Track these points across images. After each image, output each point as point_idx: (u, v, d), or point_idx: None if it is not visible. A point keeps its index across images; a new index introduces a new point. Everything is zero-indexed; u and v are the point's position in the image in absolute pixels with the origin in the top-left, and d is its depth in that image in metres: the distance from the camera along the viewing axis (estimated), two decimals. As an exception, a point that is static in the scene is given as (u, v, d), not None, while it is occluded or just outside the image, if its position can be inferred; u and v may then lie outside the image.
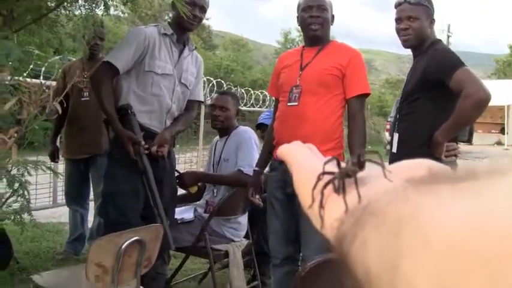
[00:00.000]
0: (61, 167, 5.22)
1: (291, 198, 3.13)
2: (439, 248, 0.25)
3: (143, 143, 3.25)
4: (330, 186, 0.38)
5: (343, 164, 0.40)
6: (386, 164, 0.38)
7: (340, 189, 0.37)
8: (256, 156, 3.68)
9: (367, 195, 0.34)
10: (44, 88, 2.45)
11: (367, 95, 3.19)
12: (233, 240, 3.89)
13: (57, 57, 7.15)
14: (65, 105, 3.30)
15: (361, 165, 0.39)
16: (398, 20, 3.16)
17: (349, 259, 0.30)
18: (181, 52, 3.53)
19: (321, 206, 0.38)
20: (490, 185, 0.27)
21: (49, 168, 3.01)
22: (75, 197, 4.91)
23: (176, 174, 3.87)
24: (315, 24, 3.18)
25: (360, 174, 0.38)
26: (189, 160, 10.45)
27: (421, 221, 0.27)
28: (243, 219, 3.99)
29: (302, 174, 0.42)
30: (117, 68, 3.28)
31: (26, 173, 2.79)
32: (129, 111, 3.29)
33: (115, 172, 3.34)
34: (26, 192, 2.77)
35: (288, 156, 0.45)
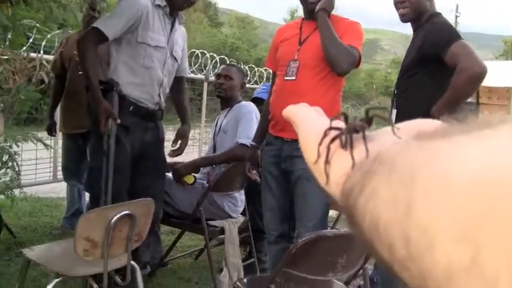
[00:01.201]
0: (60, 142, 5.19)
1: (285, 174, 3.10)
2: (461, 186, 0.24)
3: (118, 121, 3.16)
4: (337, 142, 0.37)
5: (350, 120, 0.39)
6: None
7: (348, 145, 0.36)
8: None
9: (375, 149, 0.33)
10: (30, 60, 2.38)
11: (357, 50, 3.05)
12: (230, 216, 3.85)
13: (57, 31, 7.08)
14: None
15: (369, 121, 0.38)
16: None
17: (356, 212, 0.30)
18: (172, 24, 3.45)
19: (327, 162, 0.36)
20: (508, 130, 0.26)
21: (39, 140, 2.95)
22: (73, 171, 4.86)
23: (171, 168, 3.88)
24: None
25: (368, 132, 0.37)
26: (191, 137, 10.40)
27: (438, 162, 0.26)
28: (242, 195, 3.95)
29: (307, 131, 0.41)
30: (106, 36, 3.19)
31: (15, 145, 2.74)
32: (114, 88, 3.22)
33: (101, 147, 3.27)
34: (16, 165, 2.71)
35: (294, 116, 0.44)
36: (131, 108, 3.29)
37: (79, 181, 4.86)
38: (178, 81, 3.70)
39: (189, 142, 9.74)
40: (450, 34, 2.84)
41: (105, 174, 3.18)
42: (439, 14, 3.10)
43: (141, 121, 3.35)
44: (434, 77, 2.90)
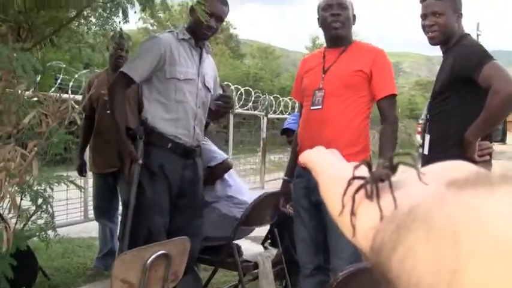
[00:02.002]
0: (90, 181, 5.22)
1: (317, 206, 3.06)
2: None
3: (140, 161, 3.22)
4: (362, 192, 0.36)
5: (374, 168, 0.38)
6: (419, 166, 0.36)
7: (374, 195, 0.35)
8: None
9: (404, 200, 0.32)
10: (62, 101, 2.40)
11: (395, 96, 3.09)
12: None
13: (84, 71, 7.18)
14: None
15: (393, 168, 0.37)
16: (423, 16, 3.06)
17: (389, 269, 0.28)
18: (200, 55, 3.47)
19: (352, 213, 0.35)
20: None
21: (71, 182, 2.96)
22: (104, 211, 4.87)
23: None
24: (336, 22, 3.09)
25: (393, 178, 0.35)
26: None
27: (483, 220, 0.25)
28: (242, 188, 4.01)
29: (329, 180, 0.40)
30: (133, 79, 3.26)
31: (49, 188, 2.75)
32: (138, 136, 3.27)
33: (140, 185, 3.29)
34: (49, 208, 2.73)
35: (311, 163, 0.43)
36: (169, 145, 3.31)
37: (110, 220, 4.87)
38: None
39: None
40: (481, 55, 2.80)
41: (123, 221, 3.21)
42: (468, 35, 3.08)
43: (179, 158, 3.36)
44: (467, 99, 2.86)
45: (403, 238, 0.28)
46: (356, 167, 0.39)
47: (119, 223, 4.28)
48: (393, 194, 0.33)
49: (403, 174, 0.36)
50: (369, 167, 0.39)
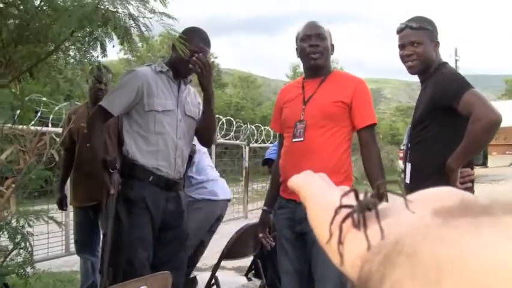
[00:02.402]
0: (72, 214, 5.16)
1: (300, 236, 3.04)
2: None
3: (112, 191, 3.20)
4: (349, 220, 0.36)
5: (361, 196, 0.38)
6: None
7: (361, 224, 0.35)
8: None
9: (391, 230, 0.32)
10: (41, 135, 2.37)
11: (375, 124, 3.11)
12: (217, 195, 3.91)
13: (65, 104, 7.16)
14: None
15: (381, 197, 0.37)
16: (401, 46, 3.08)
17: None
18: (179, 86, 3.46)
19: (340, 242, 0.35)
20: None
21: (50, 217, 2.92)
22: (85, 245, 4.81)
23: None
24: (314, 53, 3.10)
25: (380, 206, 0.36)
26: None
27: (466, 261, 0.25)
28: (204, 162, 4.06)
29: (317, 207, 0.40)
30: (110, 112, 3.27)
31: (28, 224, 2.71)
32: (110, 168, 3.25)
33: (122, 219, 3.25)
34: (28, 245, 2.68)
35: (300, 188, 0.43)
36: (151, 178, 3.29)
37: (92, 254, 4.80)
38: None
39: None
40: (460, 83, 2.83)
41: (102, 255, 3.18)
42: (446, 63, 3.11)
43: (161, 191, 3.33)
44: (447, 128, 2.87)
45: (389, 272, 0.28)
46: (343, 195, 0.39)
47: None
48: (380, 223, 0.33)
49: (391, 201, 0.37)
50: (356, 195, 0.38)
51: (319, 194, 0.41)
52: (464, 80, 2.89)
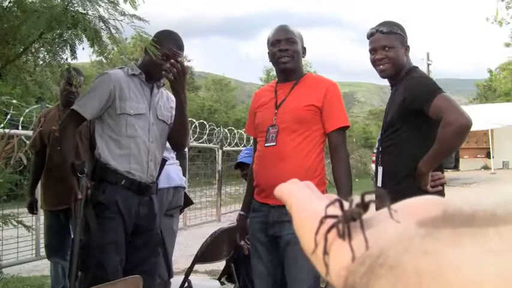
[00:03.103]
0: (42, 218, 5.09)
1: (273, 240, 3.04)
2: None
3: (79, 196, 3.13)
4: (334, 231, 0.36)
5: (346, 205, 0.38)
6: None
7: (346, 234, 0.35)
8: None
9: (376, 240, 0.32)
10: (8, 138, 2.33)
11: (347, 127, 3.11)
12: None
13: (35, 106, 7.07)
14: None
15: (365, 207, 0.37)
16: (372, 51, 3.10)
17: None
18: (151, 90, 3.44)
19: (325, 252, 0.35)
20: None
21: (19, 222, 2.87)
22: (56, 249, 4.75)
23: None
24: (284, 57, 3.11)
25: (365, 216, 0.36)
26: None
27: (445, 278, 0.25)
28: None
29: (303, 217, 0.40)
30: (83, 116, 3.23)
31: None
32: (79, 172, 3.18)
33: (90, 223, 3.21)
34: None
35: (286, 197, 0.44)
36: (123, 182, 3.25)
37: (63, 258, 4.74)
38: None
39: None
40: (431, 87, 2.84)
41: (70, 258, 3.13)
42: (417, 67, 3.13)
43: (134, 195, 3.30)
44: (418, 131, 2.89)
45: (373, 283, 0.28)
46: (328, 205, 0.39)
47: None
48: (365, 234, 0.33)
49: (376, 212, 0.37)
50: (341, 205, 0.39)
51: (305, 204, 0.41)
52: (435, 84, 2.92)
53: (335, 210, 0.38)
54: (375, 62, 3.09)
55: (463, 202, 0.31)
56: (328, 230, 0.36)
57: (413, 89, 2.90)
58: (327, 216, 0.37)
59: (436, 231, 0.28)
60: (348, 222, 0.35)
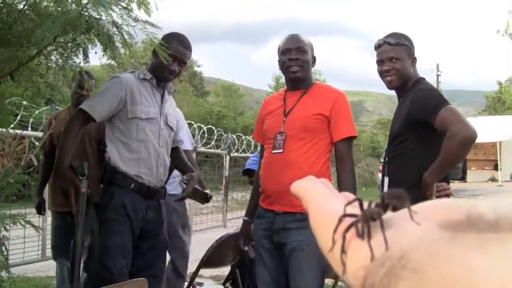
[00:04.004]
0: (49, 219, 5.11)
1: (278, 247, 3.06)
2: None
3: (83, 190, 3.08)
4: (353, 230, 0.35)
5: (366, 206, 0.38)
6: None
7: (365, 234, 0.34)
8: None
9: (395, 241, 0.31)
10: (20, 139, 2.36)
11: (354, 137, 3.13)
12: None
13: (45, 108, 7.11)
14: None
15: (385, 207, 0.37)
16: (380, 62, 3.12)
17: None
18: (162, 95, 3.46)
19: (343, 251, 0.35)
20: None
21: (27, 222, 2.90)
22: (62, 250, 4.75)
23: None
24: (294, 66, 3.14)
25: (384, 216, 0.35)
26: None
27: (473, 284, 0.25)
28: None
29: (321, 215, 0.39)
30: (92, 116, 3.21)
31: (4, 228, 2.69)
32: (79, 174, 3.12)
33: (101, 225, 3.22)
34: (3, 249, 2.65)
35: (303, 194, 0.43)
36: (132, 185, 3.25)
37: (69, 260, 4.75)
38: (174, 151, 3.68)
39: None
40: (437, 99, 2.86)
41: (72, 258, 3.12)
42: (423, 79, 3.15)
43: (142, 199, 3.30)
44: (424, 142, 2.91)
45: (393, 285, 0.28)
46: (348, 204, 0.38)
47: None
48: (384, 234, 0.32)
49: (396, 213, 0.36)
50: (361, 204, 0.38)
51: (323, 201, 0.41)
52: (441, 95, 2.93)
53: (354, 209, 0.38)
54: (382, 73, 3.11)
55: (485, 207, 0.30)
56: (347, 229, 0.35)
57: (419, 101, 2.92)
58: (346, 215, 0.37)
59: (461, 235, 0.28)
60: (368, 222, 0.35)
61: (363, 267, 0.31)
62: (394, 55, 3.05)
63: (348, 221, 0.36)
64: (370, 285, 0.30)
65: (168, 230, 3.74)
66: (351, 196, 0.41)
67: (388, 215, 0.36)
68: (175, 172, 4.09)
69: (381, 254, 0.31)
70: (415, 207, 0.35)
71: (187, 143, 4.53)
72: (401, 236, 0.32)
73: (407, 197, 0.36)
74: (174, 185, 4.32)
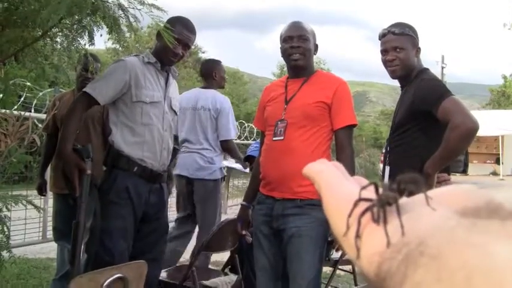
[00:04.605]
0: (51, 201, 5.13)
1: (277, 233, 3.08)
2: None
3: (88, 171, 3.11)
4: (368, 214, 0.35)
5: (381, 190, 0.37)
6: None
7: (381, 219, 0.34)
8: None
9: (412, 227, 0.31)
10: (23, 120, 2.37)
11: (354, 125, 3.13)
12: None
13: (49, 90, 7.12)
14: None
15: (401, 192, 0.36)
16: (384, 52, 3.13)
17: None
18: (166, 79, 3.47)
19: (358, 236, 0.34)
20: None
21: (29, 202, 2.91)
22: (63, 232, 4.76)
23: None
24: (295, 54, 3.14)
25: (400, 201, 0.35)
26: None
27: (498, 273, 0.24)
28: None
29: (335, 198, 0.38)
30: (97, 100, 3.22)
31: (6, 208, 2.70)
32: (84, 157, 3.15)
33: (104, 208, 3.24)
34: (5, 228, 2.67)
35: (316, 176, 0.42)
36: (135, 169, 3.28)
37: (69, 242, 4.78)
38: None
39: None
40: (441, 90, 2.87)
41: (73, 239, 3.12)
42: (427, 69, 3.15)
43: (145, 182, 3.32)
44: (426, 133, 2.92)
45: (411, 272, 0.28)
46: (363, 188, 0.38)
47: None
48: (401, 220, 0.32)
49: (412, 198, 0.36)
50: (376, 189, 0.38)
51: (337, 185, 0.40)
52: (444, 86, 2.94)
53: (369, 193, 0.37)
54: (386, 63, 3.12)
55: (502, 197, 0.30)
56: (363, 213, 0.35)
57: (422, 91, 2.92)
58: (361, 199, 0.36)
59: (481, 222, 0.27)
60: (384, 207, 0.34)
61: (378, 253, 0.31)
62: (398, 45, 3.05)
63: (363, 205, 0.36)
64: (385, 271, 0.30)
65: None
66: (364, 180, 0.40)
67: (404, 200, 0.36)
68: None
69: (397, 239, 0.31)
70: (431, 193, 0.35)
71: (229, 132, 4.69)
72: (417, 221, 0.31)
73: (423, 181, 0.36)
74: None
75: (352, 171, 3.08)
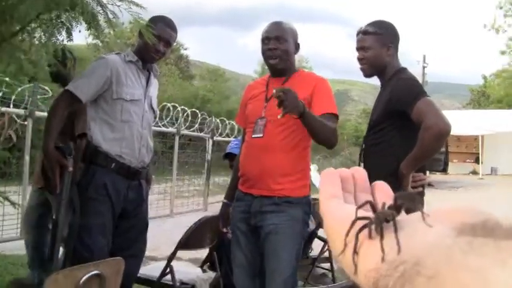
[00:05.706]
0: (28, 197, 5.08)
1: (254, 230, 3.09)
2: None
3: (70, 169, 3.14)
4: (366, 231, 0.36)
5: (378, 207, 0.38)
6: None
7: (378, 235, 0.35)
8: None
9: (407, 244, 0.31)
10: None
11: (335, 116, 3.11)
12: None
13: (27, 86, 7.06)
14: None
15: (398, 209, 0.37)
16: (356, 50, 3.16)
17: None
18: (148, 78, 3.47)
19: (355, 252, 0.35)
20: None
21: (6, 198, 2.90)
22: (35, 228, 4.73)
23: None
24: (272, 57, 3.14)
25: (397, 218, 0.35)
26: (163, 191, 10.39)
27: None
28: None
29: (333, 219, 0.40)
30: (79, 98, 3.22)
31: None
32: (66, 154, 3.17)
33: (82, 204, 3.23)
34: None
35: (321, 205, 0.42)
36: (113, 165, 3.27)
37: (38, 238, 4.74)
38: None
39: (160, 195, 9.62)
40: (416, 91, 2.89)
41: (52, 237, 3.13)
42: (405, 69, 3.17)
43: (123, 179, 3.32)
44: (402, 132, 2.94)
45: None
46: (359, 207, 0.39)
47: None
48: (397, 237, 0.32)
49: (408, 215, 0.36)
50: (373, 207, 0.39)
51: (336, 207, 0.41)
52: (420, 86, 2.97)
53: (367, 212, 0.38)
54: (358, 62, 3.16)
55: (500, 216, 0.30)
56: (360, 230, 0.36)
57: (398, 91, 2.95)
58: (358, 218, 0.37)
59: (477, 242, 0.28)
60: (381, 224, 0.35)
61: (375, 269, 0.32)
62: (365, 44, 3.10)
63: (360, 223, 0.36)
64: (383, 287, 0.30)
65: None
66: (386, 187, 0.41)
67: (402, 216, 0.36)
68: None
69: (393, 256, 0.31)
70: (429, 210, 0.35)
71: None
72: (414, 238, 0.32)
73: (420, 199, 0.36)
74: None
75: (327, 126, 2.96)
